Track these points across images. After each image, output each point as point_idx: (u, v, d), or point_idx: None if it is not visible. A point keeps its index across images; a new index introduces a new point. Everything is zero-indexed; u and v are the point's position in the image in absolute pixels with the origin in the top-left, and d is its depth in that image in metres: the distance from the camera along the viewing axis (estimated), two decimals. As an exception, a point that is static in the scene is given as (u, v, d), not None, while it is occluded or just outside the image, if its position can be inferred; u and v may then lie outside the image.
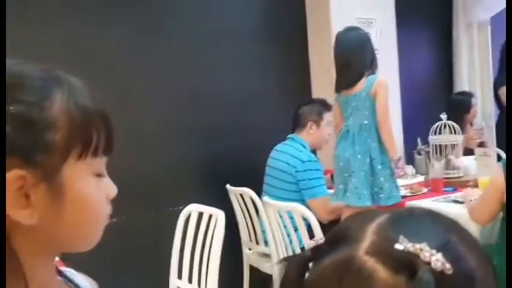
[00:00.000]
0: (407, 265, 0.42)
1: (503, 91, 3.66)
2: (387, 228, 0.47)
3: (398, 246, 0.43)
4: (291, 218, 2.33)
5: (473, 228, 1.99)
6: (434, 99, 4.00)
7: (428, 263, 0.42)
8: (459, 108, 3.46)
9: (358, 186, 2.27)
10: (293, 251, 2.34)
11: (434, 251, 0.43)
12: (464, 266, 0.45)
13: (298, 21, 3.32)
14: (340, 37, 2.43)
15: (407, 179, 2.88)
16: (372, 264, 0.43)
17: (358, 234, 0.46)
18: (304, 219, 2.25)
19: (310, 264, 0.48)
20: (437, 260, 0.42)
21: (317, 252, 0.48)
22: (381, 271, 0.43)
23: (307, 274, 0.47)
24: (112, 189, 0.58)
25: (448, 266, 0.42)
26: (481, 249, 0.49)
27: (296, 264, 0.48)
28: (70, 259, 0.59)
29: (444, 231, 0.47)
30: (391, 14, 3.48)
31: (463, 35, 4.06)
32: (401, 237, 0.44)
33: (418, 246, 0.43)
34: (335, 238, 0.48)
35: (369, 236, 0.46)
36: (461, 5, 4.04)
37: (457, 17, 4.08)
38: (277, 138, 2.81)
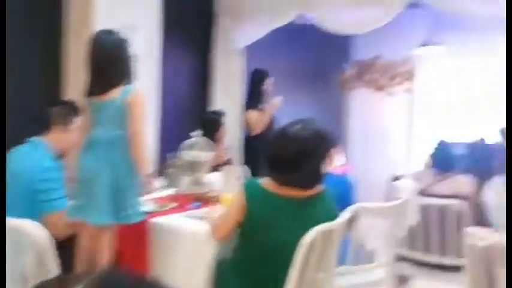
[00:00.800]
0: None
1: (247, 114, 4.08)
2: None
3: None
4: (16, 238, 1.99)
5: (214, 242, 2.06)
6: (193, 114, 4.13)
7: None
8: (211, 126, 3.64)
9: (101, 201, 2.10)
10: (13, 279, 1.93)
11: None
12: None
13: (55, 18, 3.01)
14: (97, 38, 2.25)
15: (157, 193, 2.85)
16: None
17: None
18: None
19: None
20: None
21: None
22: None
23: None
24: None
25: None
26: None
27: None
28: None
29: None
30: (157, 25, 3.46)
31: (221, 58, 4.34)
32: None
33: None
34: None
35: None
36: (221, 31, 4.33)
37: (217, 40, 4.35)
38: (16, 141, 2.44)
